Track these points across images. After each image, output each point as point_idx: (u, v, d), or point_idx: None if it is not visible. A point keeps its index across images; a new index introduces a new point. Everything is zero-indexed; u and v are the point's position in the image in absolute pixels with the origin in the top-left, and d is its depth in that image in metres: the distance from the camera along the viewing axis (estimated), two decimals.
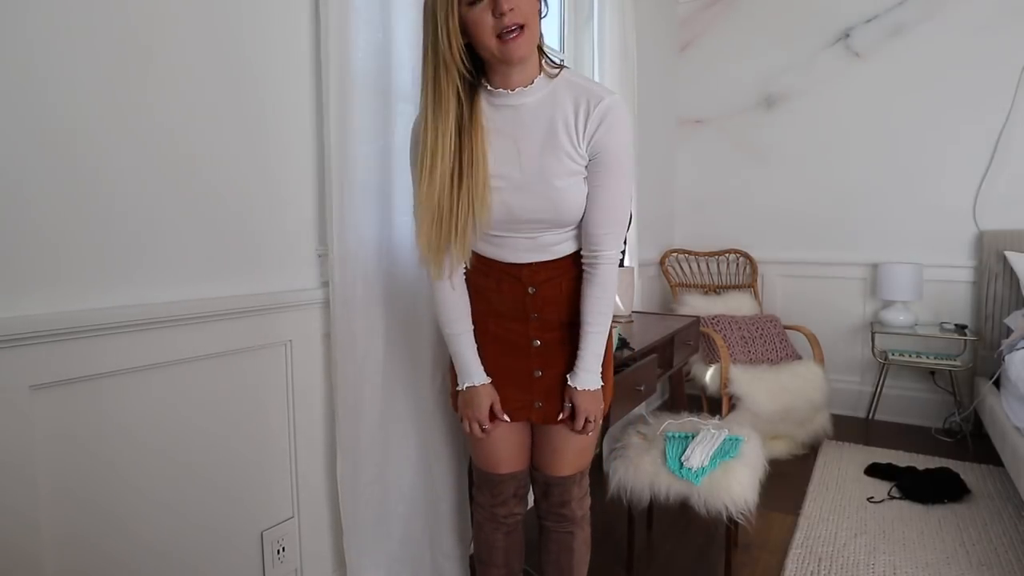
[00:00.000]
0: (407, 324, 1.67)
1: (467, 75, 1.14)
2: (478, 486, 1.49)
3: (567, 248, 1.30)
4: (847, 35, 3.44)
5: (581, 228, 1.28)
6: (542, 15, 1.18)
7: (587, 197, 1.23)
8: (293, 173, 1.47)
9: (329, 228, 1.47)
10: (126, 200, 1.15)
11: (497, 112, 1.20)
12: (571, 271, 1.31)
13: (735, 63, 3.73)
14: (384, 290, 1.59)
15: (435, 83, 1.12)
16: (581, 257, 1.30)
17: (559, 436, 1.39)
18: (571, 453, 1.40)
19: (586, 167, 1.22)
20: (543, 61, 1.22)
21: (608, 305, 1.29)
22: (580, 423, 1.31)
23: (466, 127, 1.15)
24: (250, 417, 1.41)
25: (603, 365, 1.33)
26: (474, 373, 1.33)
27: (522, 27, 1.09)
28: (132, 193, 1.16)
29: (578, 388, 1.30)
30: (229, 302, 1.32)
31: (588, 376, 1.30)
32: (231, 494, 1.38)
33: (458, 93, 1.13)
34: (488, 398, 1.34)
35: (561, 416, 1.33)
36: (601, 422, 1.37)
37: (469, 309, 1.34)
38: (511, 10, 1.07)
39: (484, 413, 1.33)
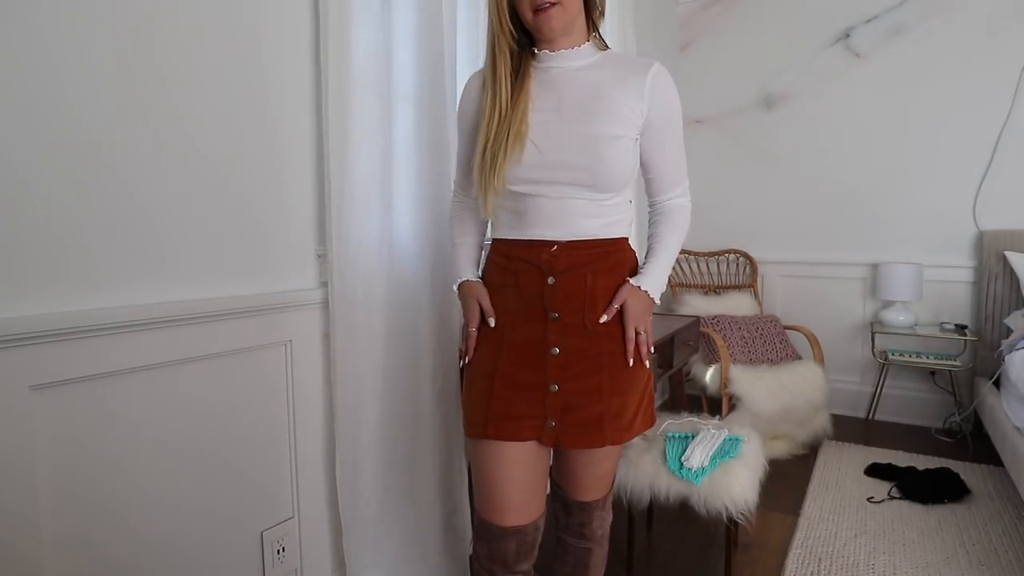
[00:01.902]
0: (407, 324, 1.66)
1: (515, 45, 1.24)
2: (476, 533, 1.31)
3: (594, 226, 1.24)
4: (847, 35, 3.44)
5: (647, 188, 1.37)
6: (600, 8, 1.28)
7: (649, 157, 1.31)
8: (293, 173, 1.47)
9: (329, 228, 1.47)
10: (128, 201, 1.15)
11: (543, 73, 1.27)
12: (596, 264, 1.24)
13: (735, 63, 3.73)
14: (384, 290, 1.59)
15: (492, 49, 1.24)
16: (650, 206, 1.38)
17: (580, 462, 1.32)
18: (593, 479, 1.34)
19: (640, 132, 1.26)
20: (593, 35, 1.29)
21: (680, 237, 1.36)
22: (613, 312, 1.23)
23: (517, 84, 1.24)
24: (250, 417, 1.41)
25: (644, 392, 1.30)
26: (463, 272, 1.37)
27: (555, 3, 1.16)
28: (134, 194, 1.16)
29: (632, 282, 1.26)
30: (229, 302, 1.32)
31: (651, 283, 1.27)
32: (231, 494, 1.38)
33: (509, 58, 1.24)
34: (471, 295, 1.32)
35: (604, 316, 1.23)
36: (651, 348, 1.29)
37: (479, 231, 1.43)
38: None
39: (471, 312, 1.32)
